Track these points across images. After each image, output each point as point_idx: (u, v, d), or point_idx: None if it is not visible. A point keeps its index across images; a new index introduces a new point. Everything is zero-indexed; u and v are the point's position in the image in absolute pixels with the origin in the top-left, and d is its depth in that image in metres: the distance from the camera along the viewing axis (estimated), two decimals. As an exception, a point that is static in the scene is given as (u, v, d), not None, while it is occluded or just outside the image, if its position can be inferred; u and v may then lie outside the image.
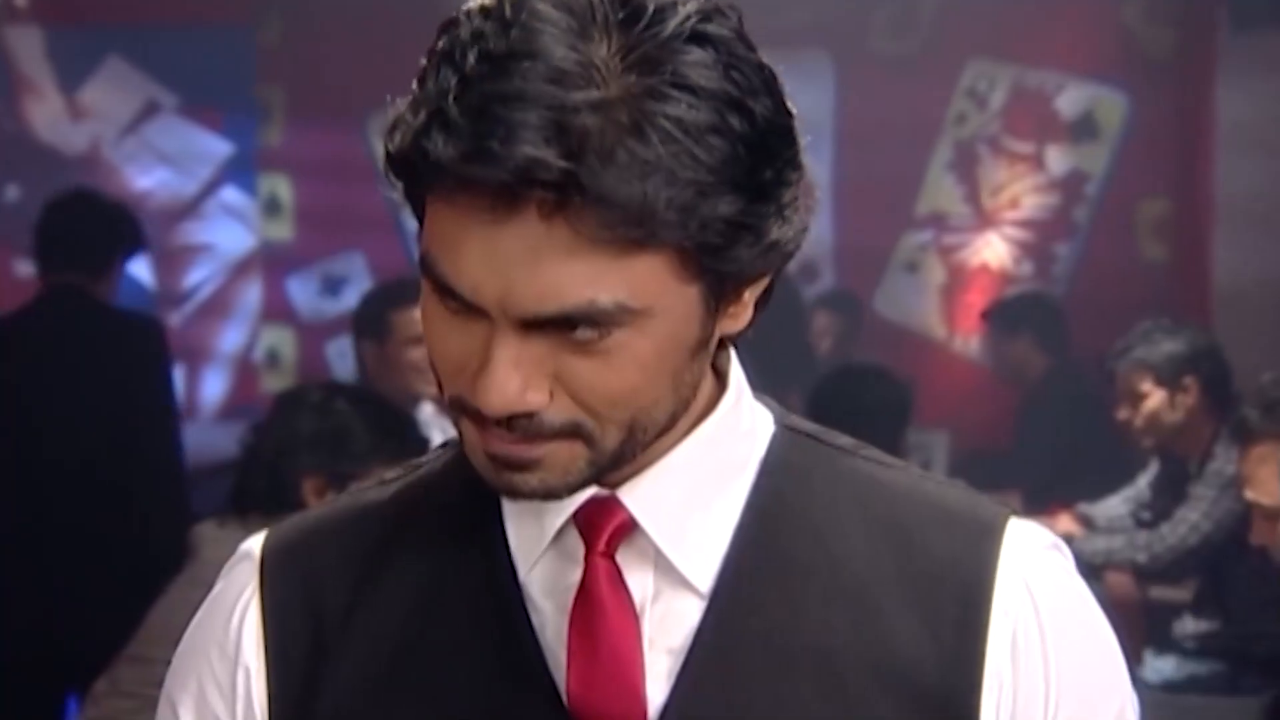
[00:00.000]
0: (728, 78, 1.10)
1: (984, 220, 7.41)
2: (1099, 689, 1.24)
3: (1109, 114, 7.33)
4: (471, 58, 1.07)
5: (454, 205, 1.08)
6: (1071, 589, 1.26)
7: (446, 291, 1.11)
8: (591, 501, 1.20)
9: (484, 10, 1.10)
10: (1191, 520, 4.79)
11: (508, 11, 1.09)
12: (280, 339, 7.61)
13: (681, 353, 1.14)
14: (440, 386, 1.17)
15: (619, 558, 1.20)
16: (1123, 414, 4.99)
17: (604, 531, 1.20)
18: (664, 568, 1.21)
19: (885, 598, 1.20)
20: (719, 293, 1.14)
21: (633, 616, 1.19)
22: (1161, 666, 4.75)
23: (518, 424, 1.12)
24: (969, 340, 7.34)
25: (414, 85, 1.12)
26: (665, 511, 1.20)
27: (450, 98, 1.07)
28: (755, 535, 1.22)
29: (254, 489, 3.20)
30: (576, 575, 1.20)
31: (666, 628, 1.20)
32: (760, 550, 1.21)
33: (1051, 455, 5.92)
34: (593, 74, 1.06)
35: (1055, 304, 6.80)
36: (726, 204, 1.09)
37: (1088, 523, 5.21)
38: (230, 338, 7.58)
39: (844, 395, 4.32)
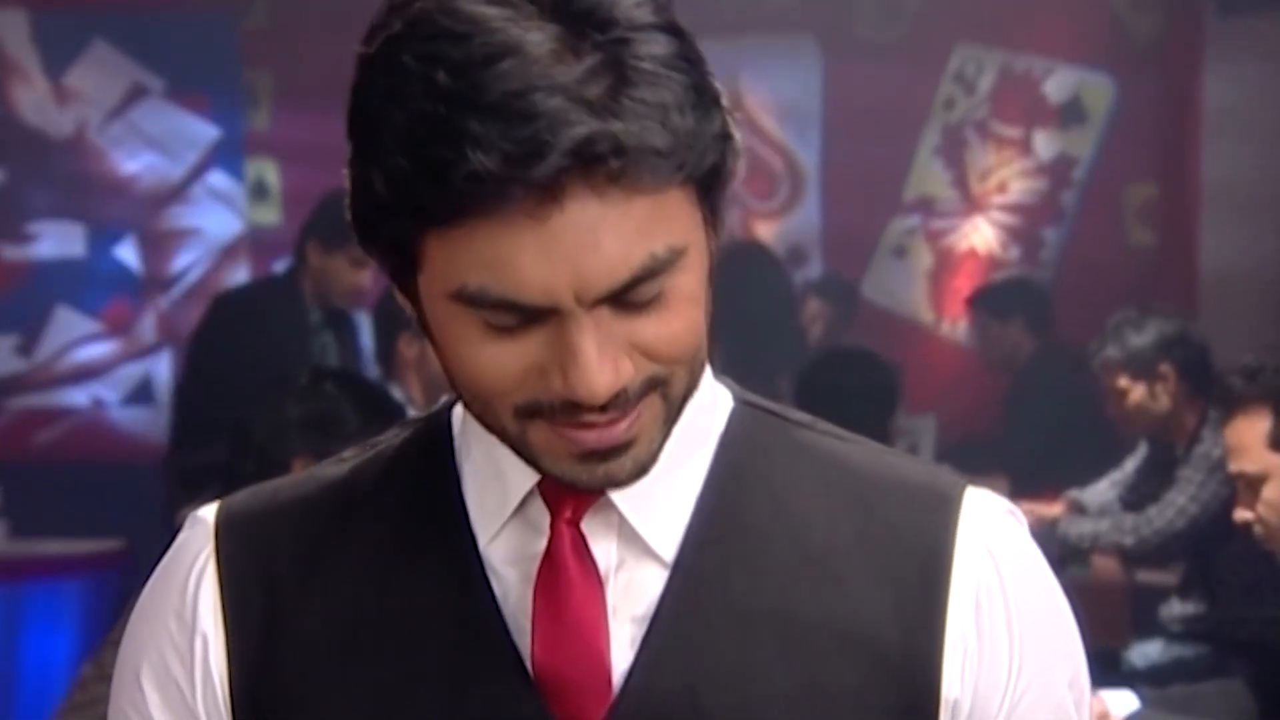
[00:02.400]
0: (653, 6, 1.14)
1: (972, 205, 7.41)
2: (1058, 652, 1.26)
3: (1096, 99, 7.34)
4: (442, 77, 1.08)
5: (493, 218, 1.08)
6: (1031, 554, 1.27)
7: (504, 309, 1.11)
8: None
9: (411, 37, 1.10)
10: (1179, 504, 4.80)
11: (445, 24, 1.09)
12: (267, 323, 7.59)
13: (707, 279, 1.18)
14: (481, 405, 1.17)
15: (584, 527, 1.21)
16: (1111, 410, 5.01)
17: (570, 500, 1.21)
18: (628, 536, 1.22)
19: (846, 565, 1.21)
20: (714, 210, 1.18)
21: (597, 584, 1.20)
22: (1148, 650, 4.76)
23: (612, 404, 1.13)
24: (956, 325, 7.35)
25: (355, 143, 1.13)
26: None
27: (449, 116, 1.07)
28: (717, 504, 1.23)
29: (243, 472, 3.21)
30: (541, 545, 1.21)
31: (630, 596, 1.21)
32: (722, 519, 1.23)
33: (1039, 440, 5.93)
34: (562, 47, 1.08)
35: (1044, 289, 6.81)
36: (711, 120, 1.14)
37: (1078, 508, 5.22)
38: (217, 322, 7.57)
39: (832, 379, 4.33)
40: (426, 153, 1.08)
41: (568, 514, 1.21)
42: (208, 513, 1.30)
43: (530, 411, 1.14)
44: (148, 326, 7.54)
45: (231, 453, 3.30)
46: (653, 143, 1.08)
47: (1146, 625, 4.81)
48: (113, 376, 7.52)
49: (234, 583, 1.26)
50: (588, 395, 1.11)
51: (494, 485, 1.23)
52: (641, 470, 1.17)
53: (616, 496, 1.21)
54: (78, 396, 7.52)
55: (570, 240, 1.08)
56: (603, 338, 1.11)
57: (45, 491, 6.47)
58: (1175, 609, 4.83)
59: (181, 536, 1.31)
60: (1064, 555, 4.91)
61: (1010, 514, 1.28)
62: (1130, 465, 5.27)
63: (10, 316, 7.42)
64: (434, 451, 1.26)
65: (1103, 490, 5.28)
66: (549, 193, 1.07)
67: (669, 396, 1.16)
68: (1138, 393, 4.88)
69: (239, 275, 7.51)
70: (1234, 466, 3.42)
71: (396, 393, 4.17)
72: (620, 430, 1.15)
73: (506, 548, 1.22)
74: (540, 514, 1.22)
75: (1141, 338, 4.89)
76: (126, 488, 6.40)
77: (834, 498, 1.24)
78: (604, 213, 1.08)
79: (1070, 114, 7.36)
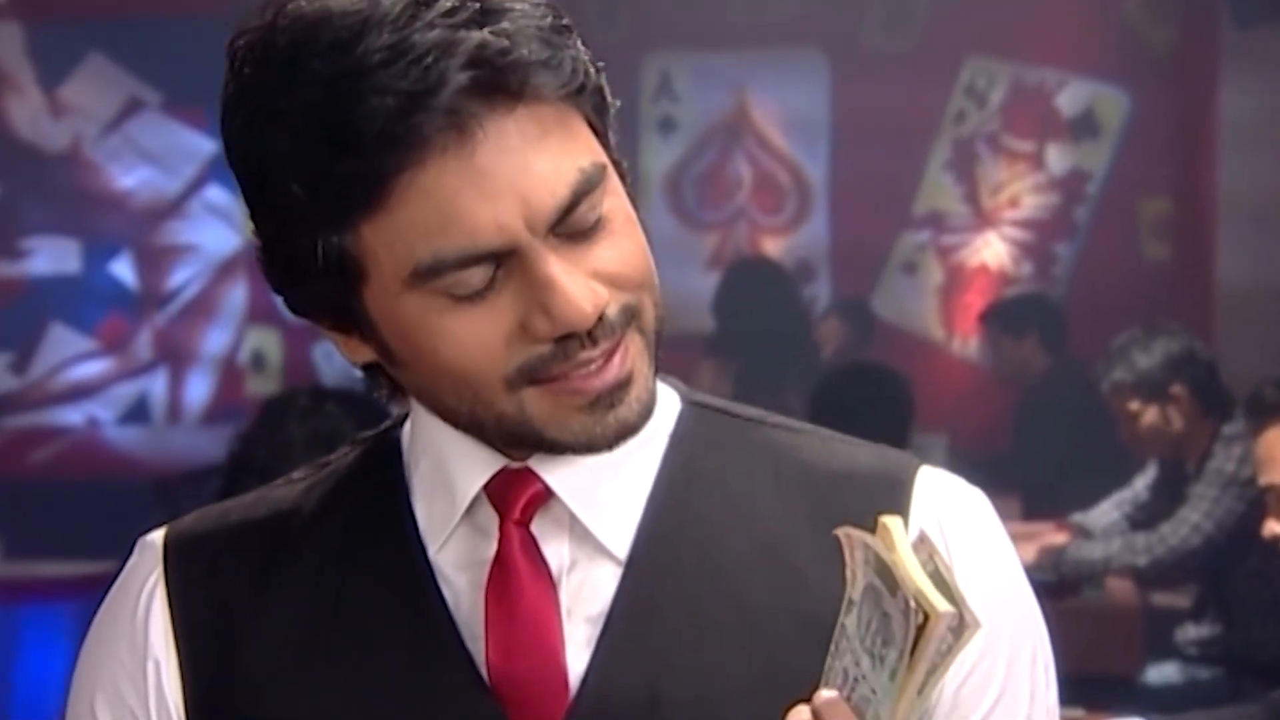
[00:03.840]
0: None
1: (983, 220, 7.42)
2: (1012, 628, 1.26)
3: (1110, 112, 7.34)
4: (318, 65, 1.11)
5: (419, 172, 1.11)
6: (986, 531, 1.29)
7: (465, 266, 1.13)
8: (504, 473, 1.22)
9: (269, 51, 1.15)
10: (1193, 521, 4.79)
11: (299, 26, 1.14)
12: (266, 341, 7.61)
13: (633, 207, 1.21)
14: (472, 395, 1.18)
15: (534, 529, 1.22)
16: (1125, 434, 5.00)
17: (518, 501, 1.22)
18: (580, 535, 1.23)
19: (800, 554, 1.23)
20: (608, 140, 1.20)
21: (550, 585, 1.21)
22: (1163, 674, 4.76)
23: (599, 332, 1.15)
24: (967, 342, 7.36)
25: (255, 177, 1.16)
26: (579, 479, 1.22)
27: (341, 91, 1.10)
28: (668, 501, 1.25)
29: (243, 493, 3.22)
30: (491, 550, 1.22)
31: (584, 596, 1.22)
32: (674, 515, 1.24)
33: (1052, 459, 5.93)
34: (416, 1, 1.12)
35: (1057, 305, 6.81)
36: (574, 42, 1.17)
37: (1083, 533, 5.20)
38: (215, 340, 7.59)
39: (846, 394, 4.33)
40: (331, 131, 1.11)
41: (516, 515, 1.22)
42: (156, 536, 1.31)
43: (523, 378, 1.16)
44: (144, 344, 7.55)
45: (233, 474, 3.30)
46: (537, 53, 1.12)
47: (1161, 649, 4.80)
48: (108, 395, 7.53)
49: (184, 606, 1.27)
50: (578, 317, 1.13)
51: (441, 493, 1.24)
52: (647, 411, 1.20)
53: (566, 495, 1.22)
54: (72, 415, 7.52)
55: (501, 168, 1.12)
56: (568, 266, 1.14)
57: (39, 512, 6.48)
58: (1190, 632, 4.83)
59: (131, 561, 1.32)
60: (1077, 581, 4.90)
61: (966, 492, 1.30)
62: (1139, 484, 5.26)
63: (3, 334, 7.44)
64: (383, 467, 1.28)
65: (1107, 511, 5.27)
66: (461, 124, 1.11)
67: (644, 328, 1.19)
68: (1150, 415, 4.88)
69: (237, 292, 7.52)
70: (1265, 479, 3.43)
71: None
72: (616, 366, 1.17)
73: (456, 554, 1.24)
74: (489, 518, 1.23)
75: (1149, 358, 4.88)
76: (122, 508, 6.40)
77: (785, 489, 1.26)
78: (521, 132, 1.12)
79: (1083, 127, 7.36)
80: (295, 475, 1.34)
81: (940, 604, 1.01)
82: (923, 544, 1.05)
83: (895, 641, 1.03)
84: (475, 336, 1.15)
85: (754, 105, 7.47)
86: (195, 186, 7.55)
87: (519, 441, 1.19)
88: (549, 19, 1.15)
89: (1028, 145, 7.40)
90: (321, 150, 1.11)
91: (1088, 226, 7.38)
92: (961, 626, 1.02)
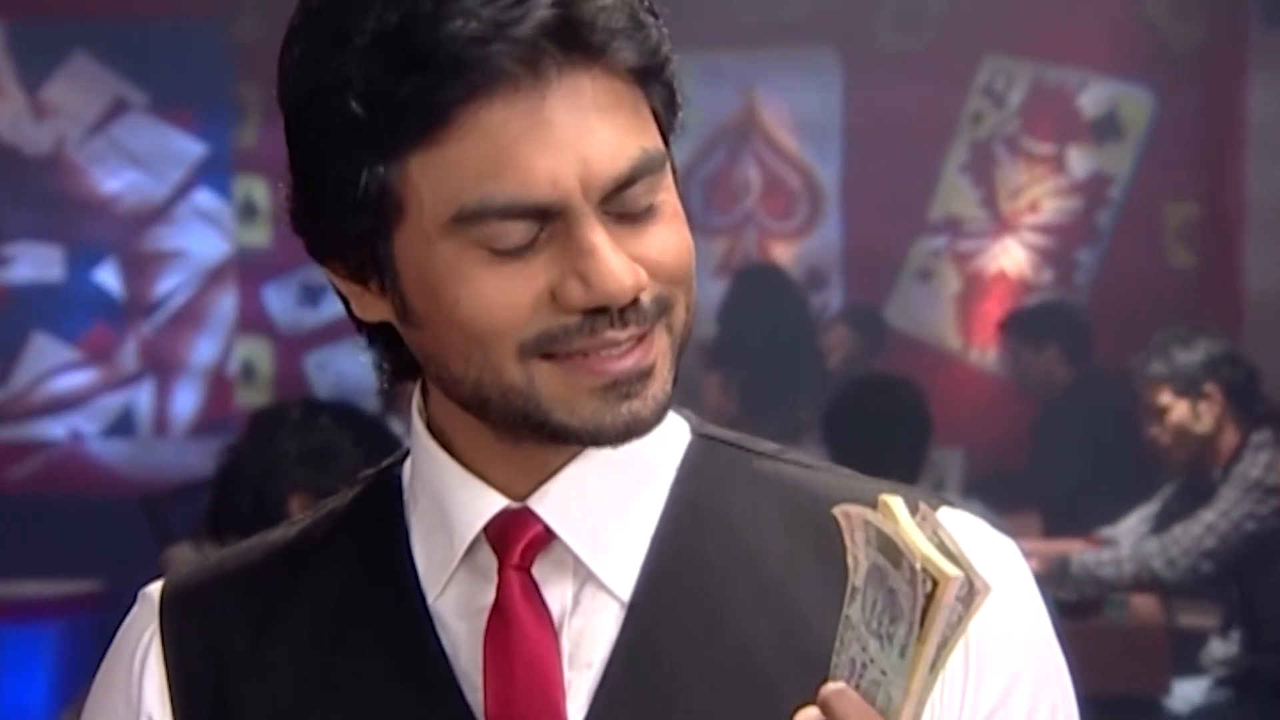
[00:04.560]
0: None
1: (1001, 225, 7.42)
2: (1033, 680, 1.25)
3: (1133, 112, 7.35)
4: None
5: (484, 109, 1.12)
6: (1010, 578, 1.27)
7: (511, 217, 1.13)
8: (503, 514, 1.22)
9: None
10: (1207, 520, 4.80)
11: None
12: (256, 351, 7.62)
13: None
14: (481, 357, 1.17)
15: (535, 572, 1.22)
16: (1151, 431, 5.02)
17: (517, 544, 1.22)
18: (583, 577, 1.23)
19: (807, 595, 1.22)
20: (668, 140, 1.21)
21: (551, 632, 1.21)
22: (1189, 694, 4.76)
23: (630, 315, 1.15)
24: (985, 352, 7.35)
25: (308, 95, 1.17)
26: (581, 518, 1.22)
27: (421, 9, 1.11)
28: (673, 541, 1.24)
29: (235, 509, 3.22)
30: (491, 595, 1.22)
31: (585, 641, 1.22)
32: (679, 556, 1.24)
33: (1074, 474, 5.93)
34: None
35: (1079, 314, 6.82)
36: (662, 31, 1.18)
37: (1112, 549, 5.20)
38: (203, 350, 7.59)
39: (861, 409, 4.33)
40: (404, 51, 1.11)
41: (516, 559, 1.22)
42: (154, 589, 1.32)
43: (539, 346, 1.15)
44: (129, 354, 7.56)
45: (222, 489, 3.31)
46: (624, 21, 1.14)
47: (1188, 669, 4.80)
48: (92, 407, 7.54)
49: (180, 659, 1.28)
50: (616, 288, 1.13)
51: (440, 535, 1.24)
52: (661, 410, 1.19)
53: (568, 537, 1.22)
54: (55, 429, 7.53)
55: (568, 123, 1.13)
56: (612, 242, 1.14)
57: (20, 529, 6.48)
58: (1217, 651, 4.83)
59: (130, 615, 1.33)
60: (1098, 597, 4.90)
61: (991, 537, 1.28)
62: (1165, 494, 5.26)
63: (-16, 344, 7.45)
64: (382, 507, 1.28)
65: (1133, 528, 5.27)
66: (537, 64, 1.11)
67: (673, 326, 1.19)
68: (1180, 411, 4.91)
69: (226, 300, 7.53)
70: None
71: (396, 426, 4.18)
72: (640, 353, 1.17)
73: (455, 601, 1.24)
74: (489, 560, 1.23)
75: (1189, 355, 4.93)
76: (106, 526, 6.41)
77: (795, 527, 1.25)
78: (594, 94, 1.13)
79: (1106, 128, 7.37)
80: (295, 518, 1.35)
81: (949, 568, 1.02)
82: (925, 520, 1.06)
83: (904, 616, 1.03)
84: (503, 294, 1.14)
85: (763, 106, 7.47)
86: (183, 191, 7.56)
87: (523, 422, 1.18)
88: None
89: (1048, 147, 7.40)
90: (389, 69, 1.12)
91: (1111, 232, 7.38)
92: (971, 594, 1.02)
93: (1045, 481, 6.06)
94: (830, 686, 1.08)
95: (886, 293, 7.43)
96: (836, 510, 1.09)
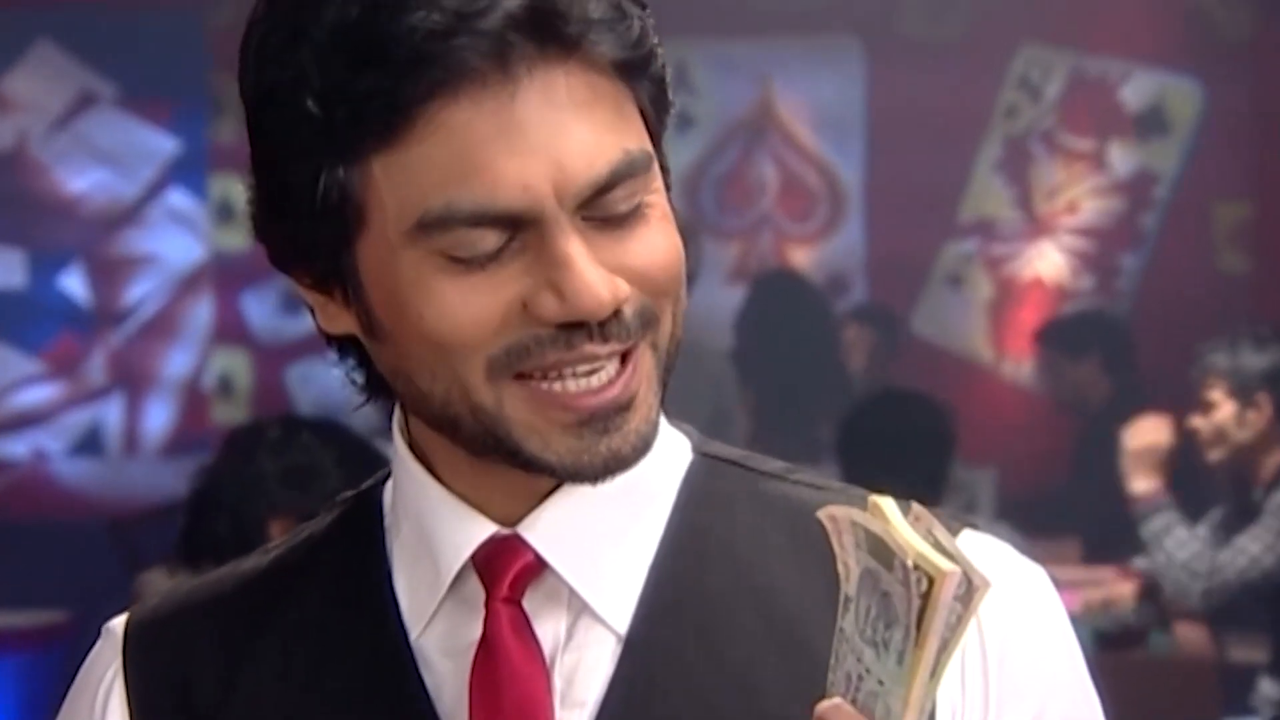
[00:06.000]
0: None
1: (1037, 228, 7.42)
2: (1056, 717, 1.25)
3: (1181, 106, 7.35)
4: None
5: (450, 108, 1.11)
6: (1038, 609, 1.27)
7: (478, 225, 1.13)
8: (491, 542, 1.22)
9: None
10: (1253, 552, 4.83)
11: None
12: (234, 363, 7.63)
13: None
14: (448, 374, 1.17)
15: (526, 604, 1.22)
16: (1194, 421, 5.06)
17: (506, 575, 1.21)
18: (577, 610, 1.23)
19: (817, 630, 1.20)
20: (658, 141, 1.20)
21: (542, 668, 1.21)
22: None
23: (611, 328, 1.14)
24: (1020, 365, 7.36)
25: (264, 91, 1.16)
26: (575, 546, 1.22)
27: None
28: (674, 570, 1.24)
29: (211, 533, 3.23)
30: (479, 630, 1.22)
31: (579, 679, 1.22)
32: (680, 586, 1.24)
33: (1114, 496, 5.92)
34: None
35: (1122, 324, 6.82)
36: (647, 20, 1.17)
37: (1151, 581, 5.19)
38: (177, 362, 7.60)
39: (881, 425, 4.34)
40: (363, 44, 1.11)
41: (504, 591, 1.22)
42: (117, 623, 1.32)
43: (509, 363, 1.15)
44: (96, 367, 7.57)
45: (197, 513, 3.32)
46: (603, 10, 1.13)
47: (1239, 707, 4.80)
48: (56, 424, 7.55)
49: (143, 699, 1.28)
50: (592, 302, 1.12)
51: (424, 565, 1.24)
52: (644, 445, 1.18)
53: (561, 566, 1.21)
54: (16, 447, 7.54)
55: (540, 124, 1.12)
56: (590, 252, 1.14)
57: (-21, 555, 6.48)
58: (1268, 689, 4.82)
59: (93, 651, 1.33)
60: (1142, 629, 4.91)
61: (1017, 564, 1.28)
62: (1211, 519, 5.27)
63: (-60, 355, 7.46)
64: (362, 534, 1.28)
65: (1184, 541, 5.27)
66: (506, 59, 1.11)
67: (658, 343, 1.18)
68: (1225, 411, 4.96)
69: (201, 308, 7.54)
70: None
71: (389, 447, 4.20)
72: (621, 384, 1.16)
73: (441, 637, 1.24)
74: (476, 592, 1.23)
75: (1256, 358, 4.97)
76: (71, 552, 6.41)
77: (806, 556, 1.24)
78: (569, 90, 1.12)
79: (1151, 123, 7.37)
80: (271, 544, 1.35)
81: (944, 563, 1.01)
82: (919, 520, 1.06)
83: (899, 620, 1.03)
84: (469, 306, 1.14)
85: (780, 99, 7.48)
86: (155, 190, 7.57)
87: (495, 447, 1.17)
88: None
89: (1088, 143, 7.41)
90: (347, 65, 1.11)
91: (1156, 234, 7.38)
92: (970, 591, 1.02)
93: (1084, 505, 6.05)
94: (824, 704, 1.08)
95: (913, 300, 7.44)
96: (822, 514, 1.09)
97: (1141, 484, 5.09)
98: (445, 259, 1.13)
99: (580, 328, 1.14)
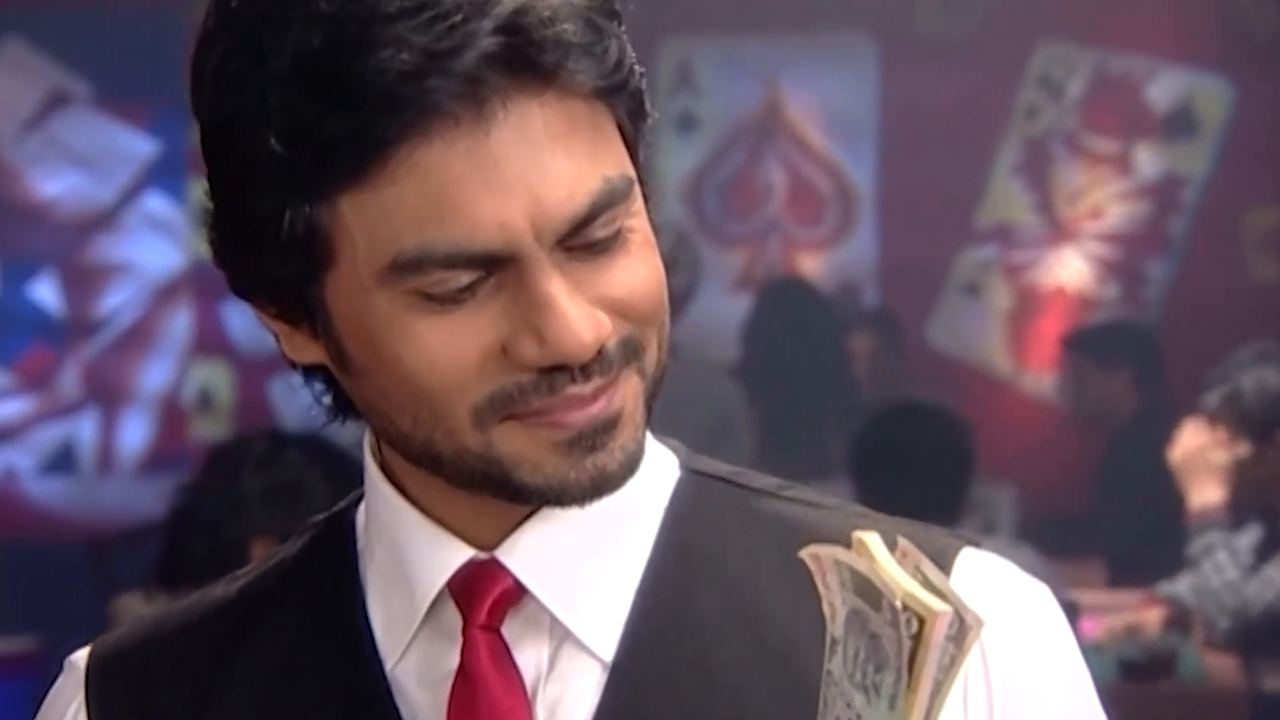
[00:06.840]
0: None
1: (1059, 234, 7.43)
2: None
3: (1209, 106, 7.35)
4: (324, 4, 1.11)
5: (423, 146, 1.11)
6: (1042, 631, 1.27)
7: (453, 267, 1.12)
8: (468, 566, 1.22)
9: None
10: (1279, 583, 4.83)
11: None
12: (214, 376, 7.63)
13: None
14: (433, 421, 1.17)
15: (506, 632, 1.22)
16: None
17: (484, 601, 1.22)
18: (559, 637, 1.23)
19: (811, 654, 1.18)
20: (638, 161, 1.21)
21: (523, 699, 1.21)
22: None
23: (593, 367, 1.15)
24: (1041, 377, 7.36)
25: (222, 127, 1.15)
26: (555, 570, 1.22)
27: (348, 34, 1.10)
28: (661, 594, 1.24)
29: (190, 556, 3.23)
30: (456, 659, 1.22)
31: (563, 709, 1.22)
32: (667, 610, 1.24)
33: (1140, 516, 5.92)
34: None
35: (1152, 334, 6.81)
36: (622, 36, 1.17)
37: (1178, 605, 5.19)
38: (154, 375, 7.60)
39: (898, 439, 4.33)
40: (328, 82, 1.10)
41: (482, 618, 1.22)
42: (80, 656, 1.32)
43: (495, 408, 1.15)
44: (70, 380, 7.57)
45: (176, 533, 3.32)
46: (579, 35, 1.13)
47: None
48: (28, 440, 7.55)
49: None
50: (575, 346, 1.13)
51: (400, 591, 1.24)
52: (631, 463, 1.18)
53: (541, 592, 1.22)
54: (-14, 464, 7.54)
55: (517, 159, 1.11)
56: (571, 288, 1.14)
57: (-54, 579, 6.48)
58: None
59: (55, 685, 1.33)
60: (1171, 658, 4.91)
61: (1020, 584, 1.28)
62: (1242, 544, 5.27)
63: (-94, 368, 7.46)
64: (335, 559, 1.28)
65: (1224, 565, 5.28)
66: (480, 97, 1.10)
67: (644, 370, 1.19)
68: (1241, 449, 4.96)
69: (180, 319, 7.54)
70: None
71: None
72: (604, 402, 1.16)
73: (417, 667, 1.24)
74: (454, 619, 1.23)
75: (1275, 379, 4.96)
76: (44, 574, 6.41)
77: (798, 576, 1.21)
78: (546, 122, 1.12)
79: (1178, 124, 7.38)
80: (240, 571, 1.35)
81: (935, 603, 1.01)
82: (906, 557, 1.05)
83: (890, 663, 1.03)
84: (447, 347, 1.14)
85: (789, 99, 7.48)
86: (132, 195, 7.58)
87: (482, 482, 1.18)
88: (599, 1, 1.15)
89: (1112, 145, 7.41)
90: (312, 103, 1.11)
91: (1184, 241, 7.38)
92: (962, 631, 1.01)
93: (1109, 525, 6.05)
94: None
95: (928, 310, 7.44)
96: (804, 553, 1.08)
97: (1201, 496, 5.07)
98: (420, 297, 1.13)
99: (563, 370, 1.14)
